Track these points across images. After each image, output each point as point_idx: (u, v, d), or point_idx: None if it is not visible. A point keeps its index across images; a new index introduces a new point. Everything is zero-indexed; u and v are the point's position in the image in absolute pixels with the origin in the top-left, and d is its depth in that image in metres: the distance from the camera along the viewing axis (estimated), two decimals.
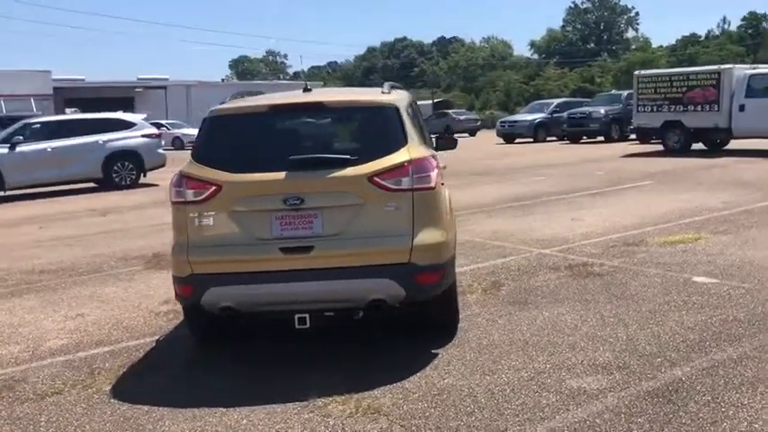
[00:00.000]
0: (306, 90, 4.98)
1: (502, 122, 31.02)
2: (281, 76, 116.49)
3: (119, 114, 17.57)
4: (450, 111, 41.99)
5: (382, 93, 4.79)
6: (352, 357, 4.67)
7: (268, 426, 3.70)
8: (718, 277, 6.09)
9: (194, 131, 38.00)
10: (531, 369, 4.26)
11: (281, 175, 4.30)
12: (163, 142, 18.66)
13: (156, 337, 5.31)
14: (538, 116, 29.49)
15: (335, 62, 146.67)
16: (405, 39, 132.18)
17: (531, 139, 28.97)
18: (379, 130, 4.56)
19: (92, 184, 16.68)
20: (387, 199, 4.33)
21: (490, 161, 20.23)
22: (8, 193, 15.35)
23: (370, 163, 4.32)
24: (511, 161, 19.90)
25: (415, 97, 6.44)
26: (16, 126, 15.69)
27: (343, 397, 3.95)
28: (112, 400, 4.14)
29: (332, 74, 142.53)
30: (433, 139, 7.00)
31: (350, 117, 4.71)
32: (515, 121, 30.18)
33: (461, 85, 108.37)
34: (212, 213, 4.39)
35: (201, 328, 4.92)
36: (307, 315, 4.38)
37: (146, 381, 4.48)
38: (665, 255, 7.04)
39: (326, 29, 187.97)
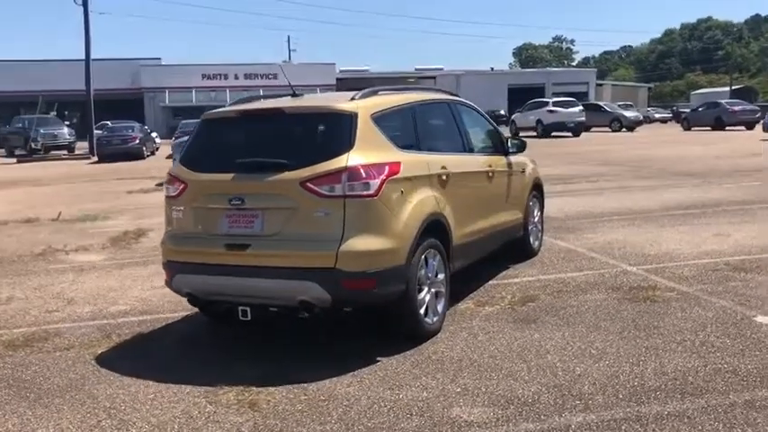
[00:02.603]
0: (294, 95, 5.24)
1: None
2: (566, 63, 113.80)
3: None
4: (723, 101, 37.64)
5: (351, 99, 4.86)
6: (300, 352, 4.88)
7: (162, 402, 4.12)
8: None
9: None
10: (438, 391, 4.10)
11: (229, 176, 4.66)
12: None
13: (187, 313, 6.01)
14: None
15: (629, 46, 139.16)
16: (709, 19, 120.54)
17: None
18: (326, 137, 4.66)
19: None
20: (318, 204, 4.44)
21: (722, 161, 17.98)
22: None
23: (306, 168, 4.46)
24: (748, 162, 17.47)
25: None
26: None
27: (242, 388, 4.21)
28: (90, 362, 4.89)
29: (624, 59, 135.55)
30: (509, 143, 6.79)
31: (305, 123, 4.85)
32: None
33: None
34: (182, 208, 4.91)
35: (201, 309, 5.48)
36: (248, 308, 4.69)
37: (132, 349, 5.18)
38: (765, 285, 5.94)
39: (620, 13, 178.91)
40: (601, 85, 70.83)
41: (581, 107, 34.20)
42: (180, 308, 6.16)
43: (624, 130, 38.89)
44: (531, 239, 7.39)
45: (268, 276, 4.51)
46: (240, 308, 4.72)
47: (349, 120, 4.65)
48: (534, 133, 34.17)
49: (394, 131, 4.98)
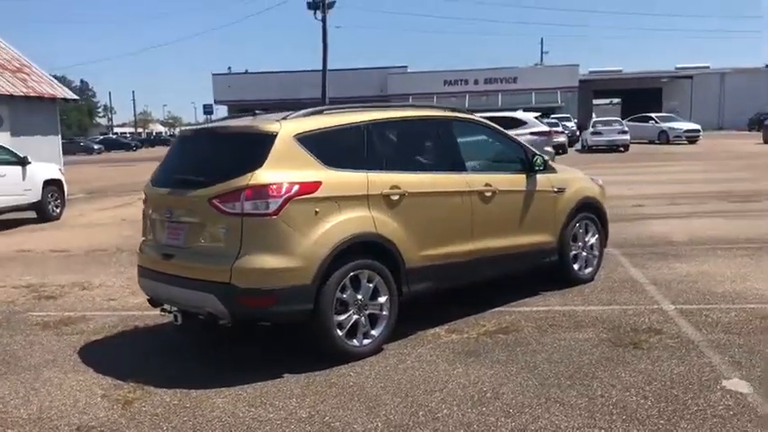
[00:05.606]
0: (253, 114, 5.46)
1: None
2: None
3: (510, 113, 18.57)
4: None
5: (282, 119, 4.94)
6: (245, 361, 5.13)
7: (73, 389, 4.62)
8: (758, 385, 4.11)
9: (683, 125, 35.66)
10: (285, 414, 4.09)
11: (165, 191, 5.07)
12: (559, 139, 18.95)
13: None
14: None
15: None
16: None
17: None
18: (241, 156, 4.80)
19: None
20: (221, 221, 4.65)
21: None
22: None
23: (215, 186, 4.69)
24: None
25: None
26: None
27: (136, 386, 4.58)
28: (75, 346, 5.58)
29: None
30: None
31: (231, 143, 5.02)
32: None
33: None
34: (146, 217, 5.42)
35: None
36: (179, 314, 5.04)
37: (117, 341, 5.79)
38: None
39: None
40: None
41: None
42: None
43: None
44: (576, 266, 6.73)
45: (182, 286, 4.83)
46: (173, 312, 5.10)
47: (266, 140, 4.76)
48: None
49: (327, 151, 4.93)
